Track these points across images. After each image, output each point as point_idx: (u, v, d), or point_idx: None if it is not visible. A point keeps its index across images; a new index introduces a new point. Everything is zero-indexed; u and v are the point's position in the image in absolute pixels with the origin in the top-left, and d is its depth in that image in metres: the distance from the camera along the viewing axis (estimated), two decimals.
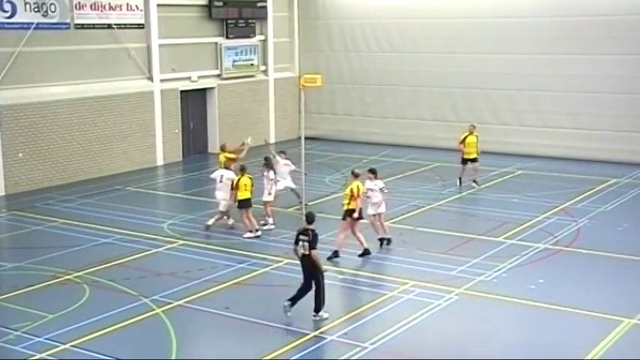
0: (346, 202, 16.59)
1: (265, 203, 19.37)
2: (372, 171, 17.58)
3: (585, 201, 21.57)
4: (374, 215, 17.45)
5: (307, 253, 13.24)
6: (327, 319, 13.33)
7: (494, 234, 18.45)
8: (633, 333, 12.76)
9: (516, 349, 12.31)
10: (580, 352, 11.99)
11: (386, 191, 17.60)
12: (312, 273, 13.29)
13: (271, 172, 19.39)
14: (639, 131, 27.00)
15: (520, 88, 28.88)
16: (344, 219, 16.71)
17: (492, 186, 23.79)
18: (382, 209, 17.49)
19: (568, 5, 27.74)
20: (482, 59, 29.36)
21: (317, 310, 13.38)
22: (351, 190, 16.48)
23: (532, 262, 16.42)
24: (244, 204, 18.46)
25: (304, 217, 13.84)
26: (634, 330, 12.86)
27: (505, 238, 18.11)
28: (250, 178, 18.58)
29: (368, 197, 17.13)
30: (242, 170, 18.54)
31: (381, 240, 17.51)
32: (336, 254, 16.59)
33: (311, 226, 13.41)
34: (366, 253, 16.77)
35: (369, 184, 17.27)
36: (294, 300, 13.42)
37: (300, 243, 13.33)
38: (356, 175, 16.96)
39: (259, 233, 18.45)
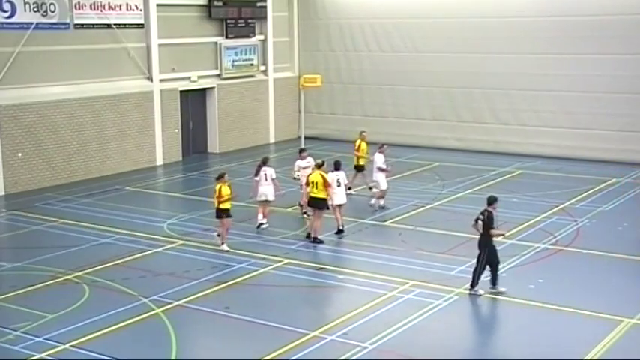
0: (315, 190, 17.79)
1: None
2: (336, 163, 18.94)
3: (585, 201, 21.57)
4: (334, 206, 18.52)
5: (481, 231, 14.50)
6: (481, 294, 14.40)
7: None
8: (633, 332, 12.77)
9: (516, 348, 12.32)
10: (580, 351, 12.00)
11: (346, 182, 19.19)
12: (481, 249, 14.53)
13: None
14: (638, 131, 27.02)
15: (519, 88, 28.88)
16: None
17: (492, 186, 23.78)
18: (340, 201, 18.65)
19: (567, 5, 27.75)
20: (481, 59, 29.37)
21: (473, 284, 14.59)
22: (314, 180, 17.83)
23: (532, 262, 16.43)
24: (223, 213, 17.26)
25: (487, 199, 14.78)
26: (634, 329, 12.87)
27: (505, 238, 18.08)
28: (229, 186, 17.40)
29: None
30: (220, 177, 17.35)
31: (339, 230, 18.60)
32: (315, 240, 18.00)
33: (489, 208, 14.53)
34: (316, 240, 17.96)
35: (331, 175, 18.33)
36: (493, 280, 14.60)
37: (479, 222, 14.56)
38: (319, 166, 18.15)
39: (225, 248, 17.39)
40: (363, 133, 22.89)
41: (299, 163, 20.47)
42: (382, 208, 20.81)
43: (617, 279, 15.49)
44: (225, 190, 17.24)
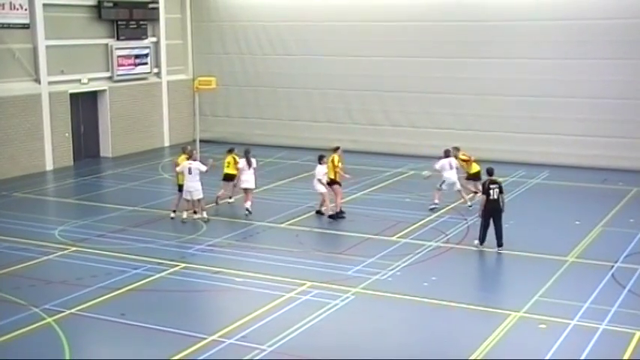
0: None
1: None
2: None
3: (474, 200, 22.29)
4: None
5: (497, 197, 17.20)
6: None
7: (388, 233, 18.85)
8: (520, 325, 13.32)
9: (411, 346, 12.63)
10: (472, 346, 12.41)
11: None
12: (498, 213, 17.27)
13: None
14: (523, 132, 28.14)
15: (410, 91, 29.55)
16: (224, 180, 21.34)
17: (385, 186, 24.29)
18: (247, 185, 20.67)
19: (464, 10, 28.61)
20: (374, 62, 29.90)
21: (500, 244, 17.29)
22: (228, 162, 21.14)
23: (425, 260, 16.87)
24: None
25: (487, 171, 17.81)
26: (521, 322, 13.43)
27: (399, 237, 18.53)
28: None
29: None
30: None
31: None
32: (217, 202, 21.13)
33: (493, 177, 17.48)
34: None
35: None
36: (482, 239, 17.37)
37: (491, 191, 17.15)
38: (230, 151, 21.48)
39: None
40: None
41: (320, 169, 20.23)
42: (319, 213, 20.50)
43: (505, 274, 16.16)
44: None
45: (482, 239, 17.51)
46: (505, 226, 19.54)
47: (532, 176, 25.77)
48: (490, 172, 17.75)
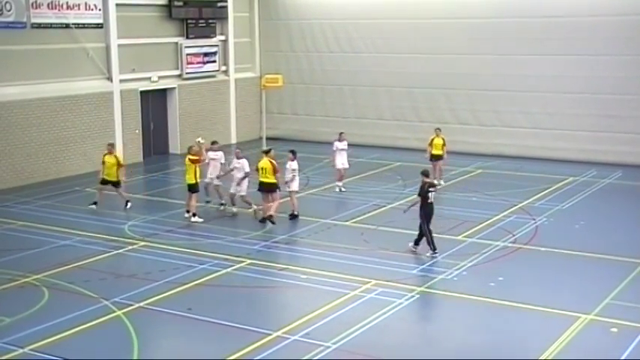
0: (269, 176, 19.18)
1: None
2: (292, 152, 20.48)
3: (543, 199, 21.91)
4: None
5: (432, 201, 16.78)
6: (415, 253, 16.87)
7: (454, 232, 18.63)
8: (591, 328, 13.01)
9: (477, 347, 12.45)
10: (540, 347, 12.18)
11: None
12: (431, 217, 16.85)
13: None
14: (594, 130, 27.51)
15: (479, 88, 29.22)
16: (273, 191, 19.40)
17: (452, 185, 24.04)
18: (293, 187, 20.01)
19: (527, 6, 28.15)
20: (441, 59, 29.66)
21: (416, 242, 17.00)
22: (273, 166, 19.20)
23: (492, 260, 16.63)
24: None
25: (422, 173, 17.08)
26: (591, 325, 13.12)
27: (465, 237, 18.31)
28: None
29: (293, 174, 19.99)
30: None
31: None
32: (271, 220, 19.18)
33: (430, 180, 17.18)
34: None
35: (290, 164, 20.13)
36: (435, 246, 16.78)
37: (430, 194, 16.70)
38: (266, 152, 19.75)
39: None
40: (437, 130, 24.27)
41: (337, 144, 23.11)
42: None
43: (575, 276, 15.77)
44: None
45: (434, 246, 16.83)
46: (575, 227, 19.20)
47: (604, 176, 25.12)
48: (427, 174, 17.17)
